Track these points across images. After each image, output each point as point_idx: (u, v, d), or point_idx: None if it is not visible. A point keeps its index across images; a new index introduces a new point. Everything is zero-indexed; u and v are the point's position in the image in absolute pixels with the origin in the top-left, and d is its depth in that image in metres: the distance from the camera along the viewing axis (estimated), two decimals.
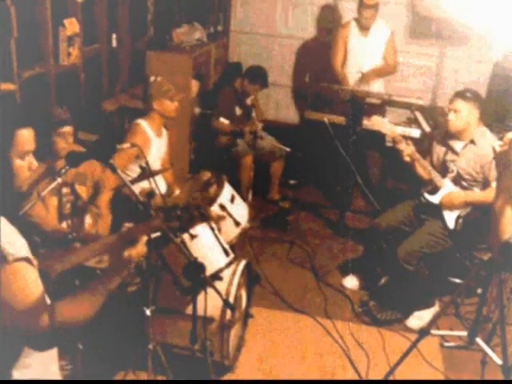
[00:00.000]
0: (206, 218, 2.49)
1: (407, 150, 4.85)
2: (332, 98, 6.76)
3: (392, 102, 6.53)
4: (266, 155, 6.72)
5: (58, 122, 3.87)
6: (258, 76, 6.77)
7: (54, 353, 2.31)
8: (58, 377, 2.34)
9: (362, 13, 6.73)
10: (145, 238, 2.36)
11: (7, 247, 1.96)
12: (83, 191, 4.14)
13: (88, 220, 4.17)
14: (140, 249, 2.33)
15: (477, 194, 4.78)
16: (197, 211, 2.47)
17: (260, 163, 6.65)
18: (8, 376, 2.11)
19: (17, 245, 2.00)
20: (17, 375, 2.12)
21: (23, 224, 2.09)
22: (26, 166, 2.19)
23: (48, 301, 2.12)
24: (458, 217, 4.80)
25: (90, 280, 2.26)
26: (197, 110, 6.88)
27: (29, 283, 2.01)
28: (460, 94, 4.77)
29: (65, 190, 4.00)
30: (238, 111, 6.76)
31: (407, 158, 4.87)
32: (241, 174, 6.48)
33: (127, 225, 2.45)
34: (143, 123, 4.85)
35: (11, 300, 1.96)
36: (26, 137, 2.18)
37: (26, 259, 2.01)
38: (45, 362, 2.24)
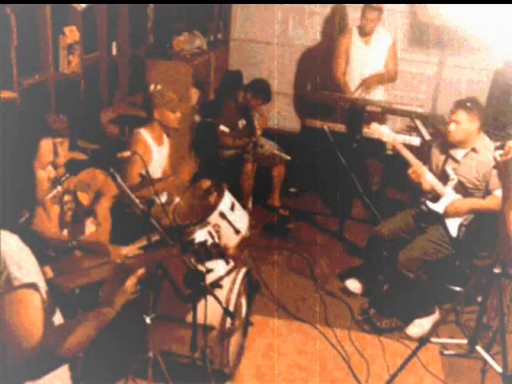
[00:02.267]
0: (223, 255, 2.47)
1: (417, 175, 4.84)
2: (333, 105, 6.76)
3: (392, 110, 6.54)
4: (266, 161, 6.71)
5: (55, 131, 3.87)
6: (262, 90, 6.71)
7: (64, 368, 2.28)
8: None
9: (366, 15, 6.69)
10: (140, 271, 2.30)
11: (14, 270, 1.90)
12: (85, 199, 4.14)
13: (89, 227, 4.17)
14: (134, 281, 2.27)
15: (481, 202, 4.77)
16: (215, 249, 2.43)
17: (261, 169, 6.66)
18: None
19: (24, 268, 1.93)
20: None
21: (32, 236, 2.05)
22: (46, 176, 2.14)
23: (60, 317, 2.10)
24: (461, 225, 4.79)
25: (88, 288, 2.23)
26: (197, 118, 6.89)
27: (31, 313, 1.94)
28: (461, 105, 4.75)
29: (66, 198, 3.99)
30: (241, 124, 6.73)
31: (416, 179, 4.86)
32: (242, 180, 6.47)
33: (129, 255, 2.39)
34: (143, 132, 4.83)
35: (12, 328, 1.91)
36: (48, 147, 2.13)
37: (32, 285, 1.94)
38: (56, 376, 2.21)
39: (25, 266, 1.95)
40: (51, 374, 2.14)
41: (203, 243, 2.40)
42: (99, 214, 4.23)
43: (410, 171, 4.85)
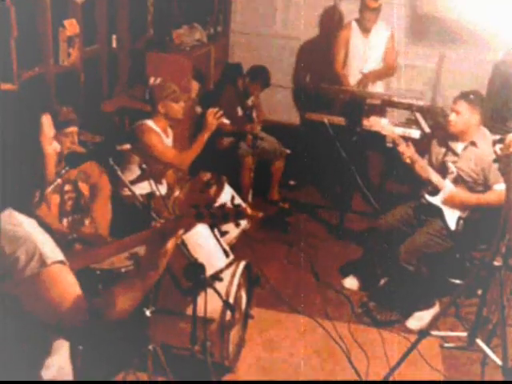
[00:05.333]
0: (241, 215, 2.42)
1: (408, 152, 4.84)
2: (332, 98, 6.76)
3: (392, 103, 6.53)
4: (266, 155, 6.72)
5: (64, 122, 3.88)
6: (260, 74, 6.77)
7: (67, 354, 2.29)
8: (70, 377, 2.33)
9: (364, 15, 6.72)
10: (181, 232, 2.31)
11: (45, 250, 1.94)
12: (85, 188, 4.14)
13: (88, 219, 4.17)
14: (174, 242, 2.28)
15: (480, 196, 4.77)
16: (232, 209, 2.39)
17: (260, 163, 6.65)
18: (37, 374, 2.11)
19: (52, 248, 1.99)
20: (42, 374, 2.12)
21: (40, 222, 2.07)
22: (54, 151, 2.13)
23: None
24: (459, 218, 4.80)
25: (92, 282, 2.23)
26: (198, 110, 6.88)
27: (68, 285, 1.99)
28: (464, 96, 4.77)
29: (67, 188, 4.00)
30: (240, 112, 6.75)
31: (408, 160, 4.86)
32: (242, 174, 6.48)
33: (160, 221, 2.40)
34: (150, 123, 4.81)
35: (52, 302, 1.95)
36: (49, 121, 2.12)
37: (63, 262, 1.99)
38: (62, 363, 2.23)
39: (52, 246, 2.00)
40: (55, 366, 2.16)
41: (222, 206, 2.38)
42: (96, 211, 4.23)
43: (400, 148, 4.86)
